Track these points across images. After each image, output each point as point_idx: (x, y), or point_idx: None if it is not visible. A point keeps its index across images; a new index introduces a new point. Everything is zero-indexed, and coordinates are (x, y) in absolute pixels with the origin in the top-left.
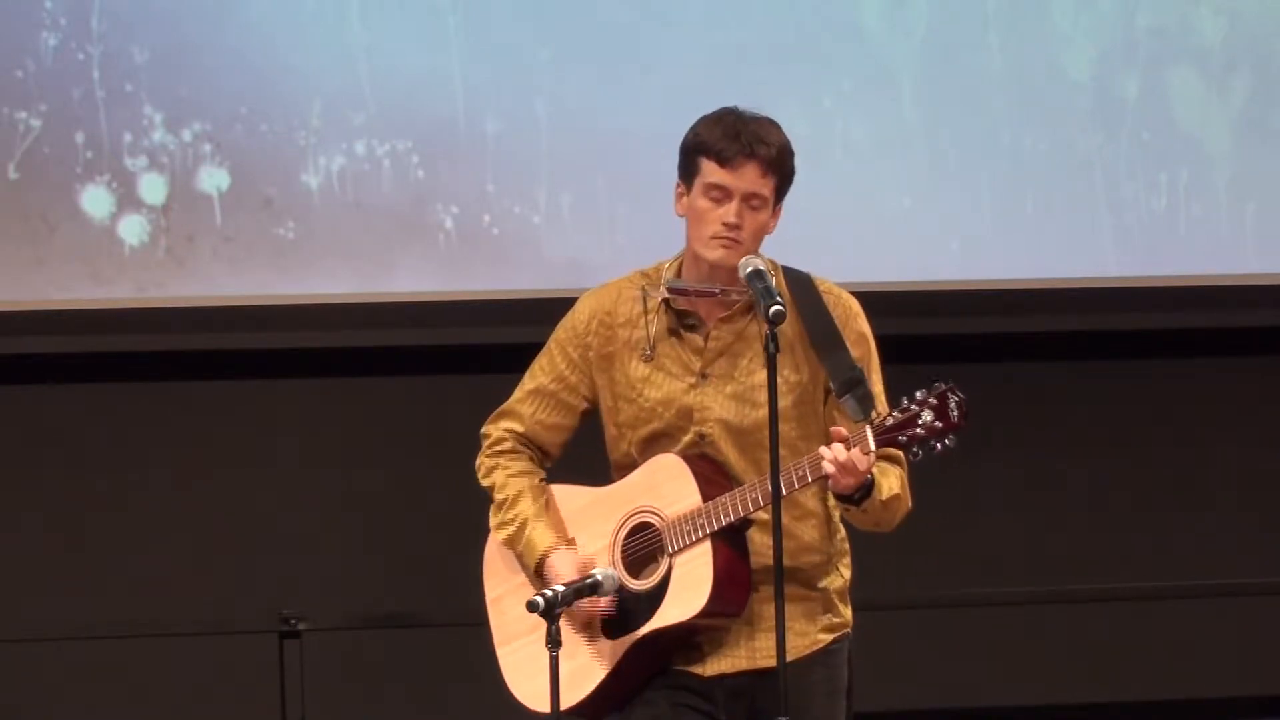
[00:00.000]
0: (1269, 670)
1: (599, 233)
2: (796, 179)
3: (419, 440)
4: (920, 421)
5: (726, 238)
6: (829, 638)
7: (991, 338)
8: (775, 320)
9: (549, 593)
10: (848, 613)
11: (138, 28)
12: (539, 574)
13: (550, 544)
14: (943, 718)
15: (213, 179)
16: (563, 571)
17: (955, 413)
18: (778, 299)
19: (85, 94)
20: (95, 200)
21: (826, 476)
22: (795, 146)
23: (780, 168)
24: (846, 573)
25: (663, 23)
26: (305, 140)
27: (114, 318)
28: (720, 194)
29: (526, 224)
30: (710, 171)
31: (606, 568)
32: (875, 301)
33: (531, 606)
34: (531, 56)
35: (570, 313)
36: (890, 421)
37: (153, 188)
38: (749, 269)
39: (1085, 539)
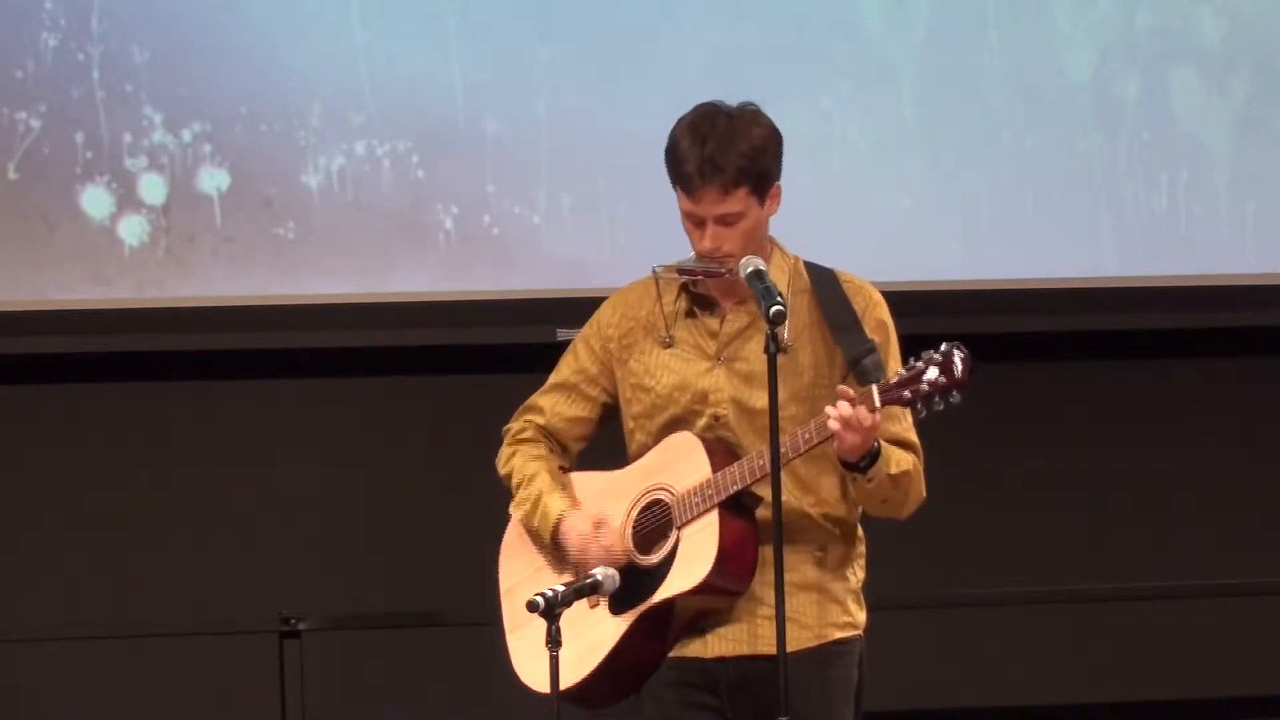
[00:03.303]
0: (1269, 670)
1: (599, 233)
2: (799, 178)
3: (419, 440)
4: (925, 378)
5: (712, 260)
6: (837, 635)
7: (991, 338)
8: (775, 320)
9: (549, 592)
10: (860, 614)
11: (138, 28)
12: (555, 542)
13: (562, 510)
14: (942, 718)
15: (213, 179)
16: (576, 529)
17: (960, 368)
18: (778, 299)
19: (85, 94)
20: (95, 200)
21: (832, 436)
22: (795, 146)
23: (746, 177)
24: (861, 573)
25: (663, 23)
26: (305, 140)
27: (114, 318)
28: (694, 220)
29: (526, 224)
30: (681, 198)
31: (606, 567)
32: None
33: (532, 607)
34: (531, 56)
35: (596, 313)
36: (895, 379)
37: (153, 188)
38: (749, 269)
39: (1085, 539)
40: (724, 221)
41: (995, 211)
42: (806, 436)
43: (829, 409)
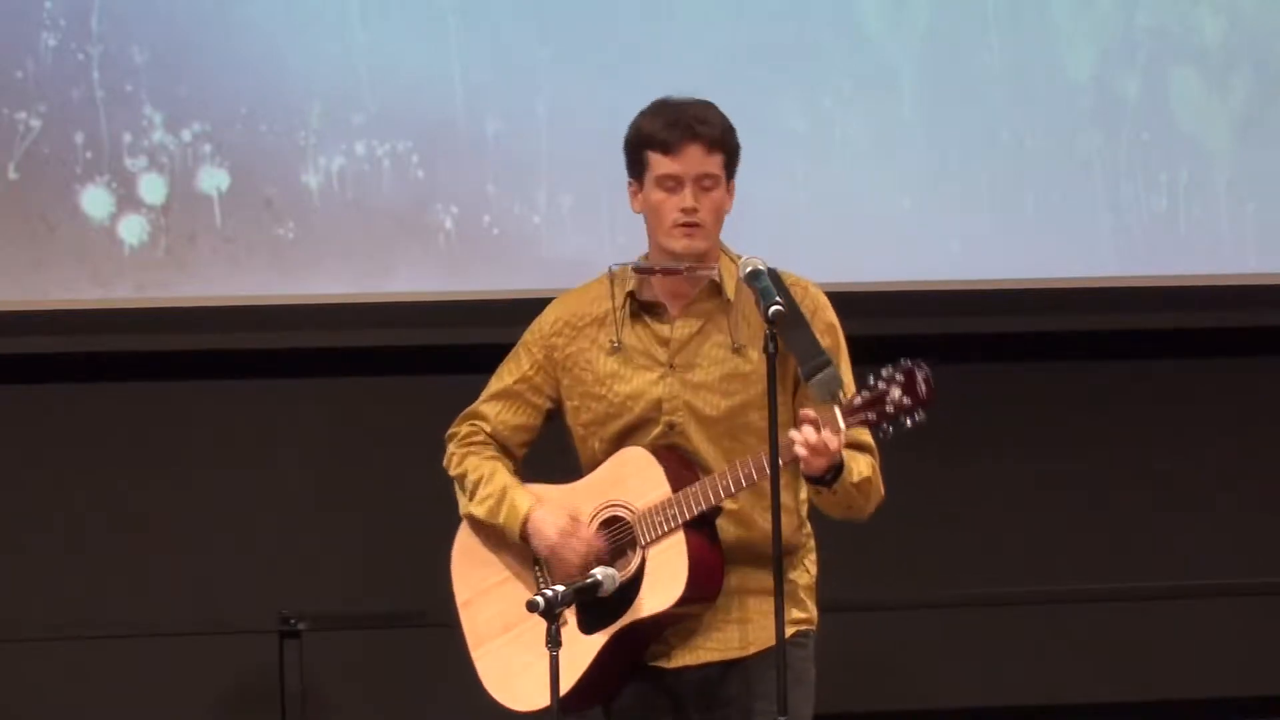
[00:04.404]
0: (1269, 670)
1: (599, 233)
2: (798, 178)
3: (419, 440)
4: (889, 398)
5: (687, 224)
6: (792, 630)
7: (991, 338)
8: (774, 320)
9: (549, 593)
10: (813, 609)
11: (138, 28)
12: (524, 538)
13: (530, 503)
14: (941, 718)
15: (213, 179)
16: (549, 523)
17: (923, 388)
18: (777, 299)
19: (85, 94)
20: (95, 200)
21: (797, 459)
22: (794, 146)
23: (725, 144)
24: (813, 569)
25: (663, 23)
26: (305, 140)
27: (114, 318)
28: (672, 183)
29: (526, 224)
30: (658, 163)
31: (606, 567)
32: (875, 301)
33: (532, 606)
34: (531, 56)
35: (538, 317)
36: (858, 400)
37: (153, 188)
38: (748, 269)
39: (1085, 539)
40: (702, 185)
41: (995, 211)
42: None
43: (793, 434)
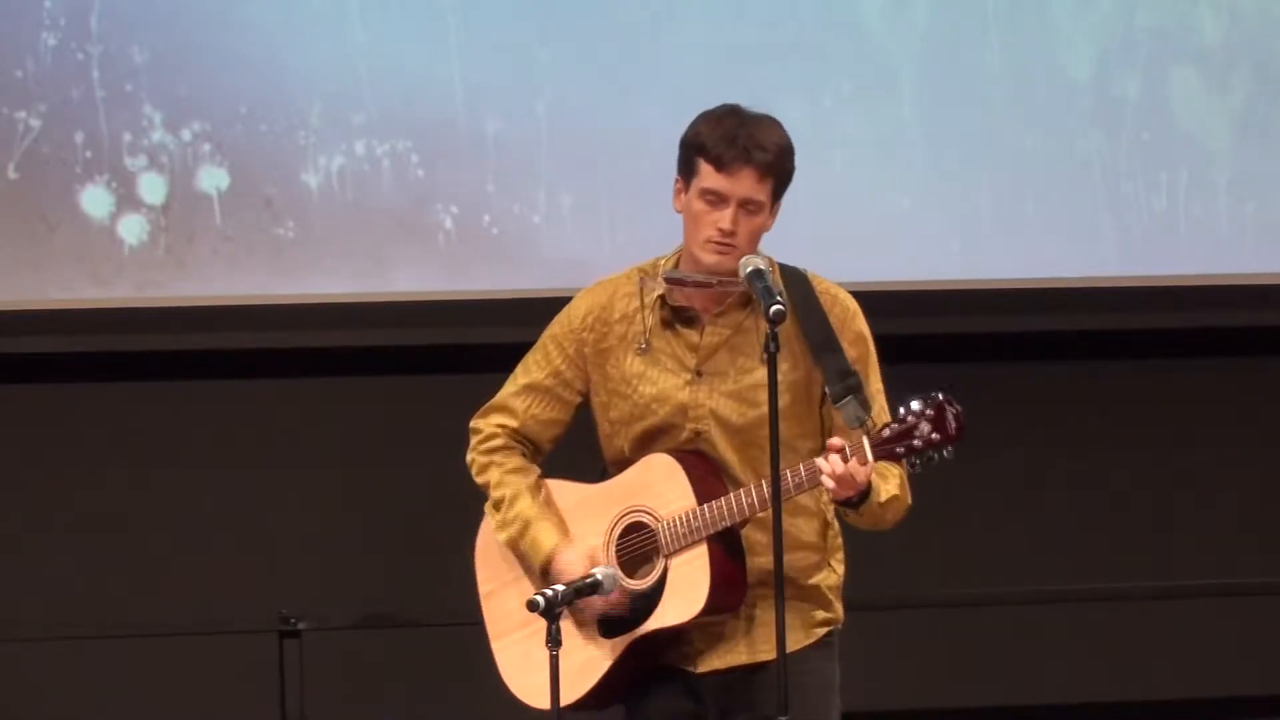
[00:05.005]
0: (1269, 670)
1: (599, 233)
2: (797, 178)
3: (419, 440)
4: (917, 433)
5: (721, 243)
6: (821, 632)
7: (991, 338)
8: (776, 320)
9: (549, 592)
10: (839, 608)
11: (138, 28)
12: (545, 573)
13: (555, 542)
14: (943, 717)
15: (212, 179)
16: (571, 567)
17: (953, 424)
18: (778, 298)
19: (85, 94)
20: (95, 200)
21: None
22: (795, 146)
23: (778, 170)
24: (840, 569)
25: (663, 22)
26: (305, 140)
27: (113, 318)
28: (716, 199)
29: (526, 224)
30: (707, 175)
31: (606, 567)
32: (875, 301)
33: (532, 606)
34: (531, 56)
35: (566, 309)
36: (888, 433)
37: (152, 187)
38: (749, 268)
39: (1085, 539)
40: (746, 208)
41: (995, 211)
42: (797, 481)
43: (820, 463)
